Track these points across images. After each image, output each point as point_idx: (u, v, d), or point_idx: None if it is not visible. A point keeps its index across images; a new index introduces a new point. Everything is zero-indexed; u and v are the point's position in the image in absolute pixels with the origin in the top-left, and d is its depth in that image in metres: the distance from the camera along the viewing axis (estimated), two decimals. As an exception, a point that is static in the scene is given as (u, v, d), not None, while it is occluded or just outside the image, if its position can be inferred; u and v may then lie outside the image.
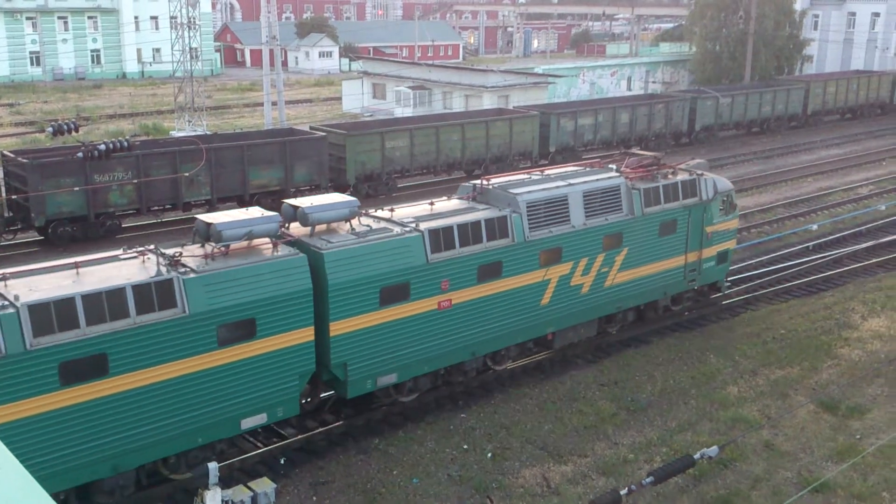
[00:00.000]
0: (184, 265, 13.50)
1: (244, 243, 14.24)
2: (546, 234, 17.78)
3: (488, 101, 50.60)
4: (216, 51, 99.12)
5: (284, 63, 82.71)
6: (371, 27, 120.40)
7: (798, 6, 73.04)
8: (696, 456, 9.45)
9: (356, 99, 62.70)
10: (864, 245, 28.01)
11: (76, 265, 13.16)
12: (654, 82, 70.78)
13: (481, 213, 17.06)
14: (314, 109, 66.89)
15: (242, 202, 31.61)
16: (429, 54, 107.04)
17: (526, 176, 19.36)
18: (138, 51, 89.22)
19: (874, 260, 26.60)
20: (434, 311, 16.15)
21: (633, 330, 20.97)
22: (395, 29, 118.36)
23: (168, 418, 13.30)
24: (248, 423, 14.25)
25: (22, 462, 10.01)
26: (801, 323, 21.76)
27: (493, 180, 18.54)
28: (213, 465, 12.81)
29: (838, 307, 22.79)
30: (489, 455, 15.64)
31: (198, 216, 14.80)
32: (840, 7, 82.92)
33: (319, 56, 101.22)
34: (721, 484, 14.68)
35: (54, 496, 12.20)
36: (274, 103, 46.71)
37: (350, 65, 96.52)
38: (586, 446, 15.95)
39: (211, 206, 30.51)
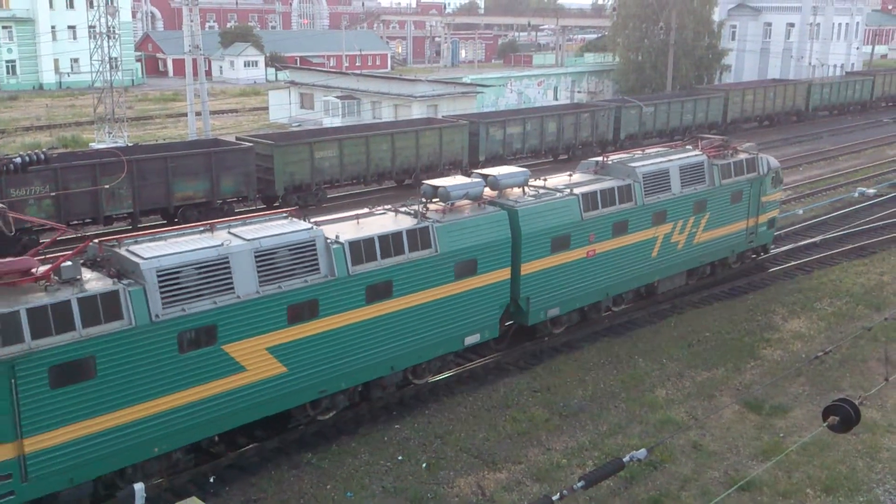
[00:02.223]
0: (428, 217, 17.46)
1: (457, 202, 18.34)
2: (656, 199, 22.08)
3: (417, 111, 50.66)
4: (137, 60, 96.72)
5: (208, 72, 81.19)
6: (297, 36, 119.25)
7: (716, 17, 75.33)
8: (626, 459, 9.52)
9: (283, 109, 62.00)
10: (782, 248, 28.95)
11: (356, 217, 17.25)
12: (579, 92, 72.02)
13: (612, 182, 21.34)
14: (240, 120, 65.88)
15: (167, 215, 30.89)
16: (357, 64, 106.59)
17: (631, 154, 23.34)
18: (55, 61, 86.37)
19: (793, 263, 27.52)
20: (584, 258, 20.49)
21: (565, 336, 21.22)
22: (322, 38, 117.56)
23: (424, 332, 17.30)
24: (468, 340, 18.42)
25: (341, 362, 14.62)
26: (725, 325, 22.34)
27: (611, 157, 22.65)
28: (138, 486, 12.39)
29: (760, 309, 23.49)
30: (424, 465, 15.56)
31: (424, 181, 18.76)
32: (756, 18, 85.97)
33: (245, 65, 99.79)
34: (651, 485, 14.91)
35: (353, 390, 16.70)
36: (198, 113, 45.82)
37: (276, 74, 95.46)
38: (520, 453, 16.02)
39: (133, 220, 29.71)
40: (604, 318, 22.10)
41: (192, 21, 44.49)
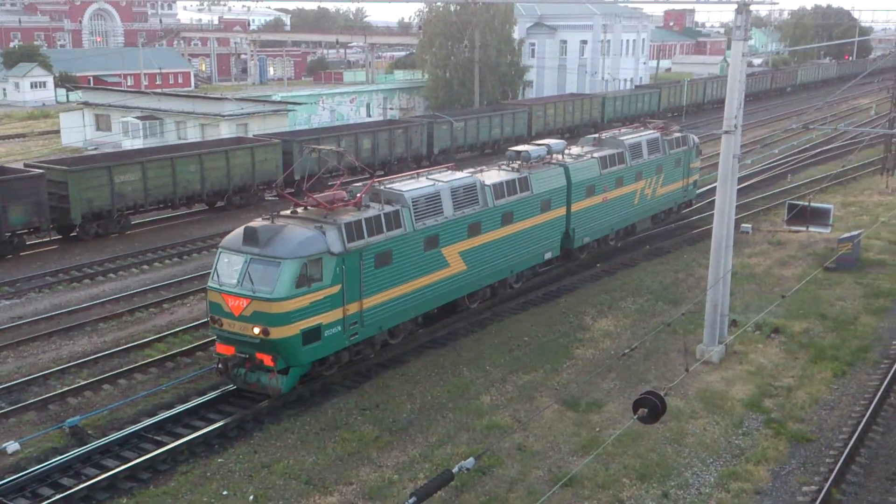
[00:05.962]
0: (524, 170, 25.06)
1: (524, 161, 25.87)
2: (636, 162, 30.35)
3: (226, 130, 49.09)
4: None
5: (-9, 94, 74.69)
6: (90, 55, 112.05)
7: (516, 35, 78.60)
8: (455, 469, 9.60)
9: (77, 132, 58.00)
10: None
11: (481, 170, 24.74)
12: (391, 109, 72.74)
13: (611, 150, 29.44)
14: (29, 145, 60.96)
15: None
16: (157, 82, 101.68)
17: (615, 132, 31.92)
18: None
19: (599, 265, 29.13)
20: (600, 202, 28.49)
21: (390, 352, 21.22)
22: (118, 56, 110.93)
23: (526, 248, 25.08)
24: (546, 256, 26.39)
25: (490, 265, 23.95)
26: (542, 329, 23.24)
27: (604, 134, 31.00)
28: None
29: (572, 311, 24.65)
30: (251, 498, 14.94)
31: (510, 148, 26.36)
32: (553, 36, 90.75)
33: (31, 87, 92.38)
34: (481, 491, 15.16)
35: (492, 285, 24.51)
36: (-20, 139, 41.84)
37: (68, 95, 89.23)
38: (351, 473, 15.78)
39: None
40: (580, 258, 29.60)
41: (-34, 38, 40.64)
